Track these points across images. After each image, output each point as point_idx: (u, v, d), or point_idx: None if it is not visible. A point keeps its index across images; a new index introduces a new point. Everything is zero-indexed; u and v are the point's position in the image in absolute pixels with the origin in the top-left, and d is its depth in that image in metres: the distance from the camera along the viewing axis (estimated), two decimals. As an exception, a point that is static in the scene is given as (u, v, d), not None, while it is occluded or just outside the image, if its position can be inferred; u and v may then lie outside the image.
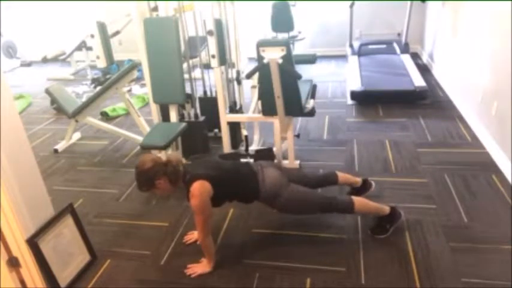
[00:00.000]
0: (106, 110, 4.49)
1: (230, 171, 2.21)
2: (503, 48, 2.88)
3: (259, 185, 2.19)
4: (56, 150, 3.75)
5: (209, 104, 3.52)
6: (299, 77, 2.61)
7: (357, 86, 4.33)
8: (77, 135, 4.02)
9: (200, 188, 1.99)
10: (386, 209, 2.33)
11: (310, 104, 3.03)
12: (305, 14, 6.12)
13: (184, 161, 3.20)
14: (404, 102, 4.17)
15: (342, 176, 2.56)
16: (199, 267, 2.16)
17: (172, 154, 2.08)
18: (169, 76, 2.94)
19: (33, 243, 1.94)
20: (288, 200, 2.20)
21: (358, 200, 2.26)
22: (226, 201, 2.27)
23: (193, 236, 2.41)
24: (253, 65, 2.79)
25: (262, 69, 2.66)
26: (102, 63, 4.57)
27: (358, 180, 2.63)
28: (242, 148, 3.44)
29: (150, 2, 3.04)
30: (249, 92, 3.64)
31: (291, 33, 5.71)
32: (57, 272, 2.05)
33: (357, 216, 2.49)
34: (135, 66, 3.48)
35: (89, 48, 5.93)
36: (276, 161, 3.00)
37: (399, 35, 5.86)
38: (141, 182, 2.05)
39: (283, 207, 2.24)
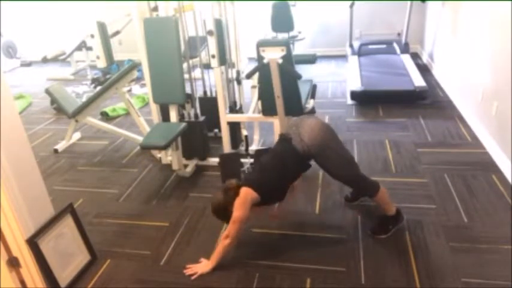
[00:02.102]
0: (106, 110, 4.49)
1: (272, 164, 2.17)
2: (503, 48, 2.88)
3: (298, 148, 2.13)
4: (56, 150, 3.75)
5: (209, 104, 3.52)
6: (299, 77, 2.61)
7: (357, 86, 4.33)
8: (77, 135, 4.02)
9: (244, 195, 2.08)
10: (394, 208, 2.34)
11: (310, 104, 3.03)
12: (305, 14, 6.12)
13: (184, 161, 3.22)
14: (404, 102, 4.18)
15: None
16: (199, 268, 2.16)
17: (231, 181, 2.17)
18: (169, 76, 2.94)
19: (33, 243, 1.94)
20: (337, 155, 2.15)
21: (383, 189, 2.27)
22: (288, 188, 2.23)
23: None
24: (253, 65, 2.79)
25: (262, 69, 2.66)
26: (102, 63, 4.56)
27: None
28: (242, 148, 3.44)
29: (150, 2, 3.04)
30: (249, 92, 3.64)
31: (291, 33, 5.71)
32: (57, 272, 2.05)
33: (357, 216, 2.49)
34: (135, 66, 3.47)
35: (89, 48, 5.93)
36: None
37: (399, 35, 5.86)
38: (222, 217, 2.18)
39: (329, 161, 2.16)
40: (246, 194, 2.08)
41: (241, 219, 2.07)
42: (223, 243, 2.13)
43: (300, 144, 2.13)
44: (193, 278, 2.12)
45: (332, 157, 2.16)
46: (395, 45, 5.52)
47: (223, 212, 2.14)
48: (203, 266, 2.16)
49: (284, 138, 2.22)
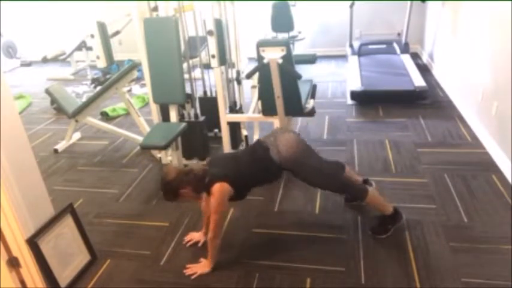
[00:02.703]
0: (106, 110, 4.49)
1: (246, 162, 2.19)
2: (503, 48, 2.88)
3: (274, 159, 2.16)
4: (56, 150, 3.75)
5: (209, 104, 3.52)
6: (299, 77, 2.61)
7: (357, 86, 4.33)
8: (77, 135, 4.02)
9: (219, 190, 2.02)
10: (390, 208, 2.34)
11: (310, 104, 3.03)
12: (305, 14, 6.12)
13: (184, 161, 3.22)
14: (404, 102, 4.18)
15: (347, 169, 2.52)
16: (199, 268, 2.16)
17: (195, 164, 2.13)
18: (169, 76, 2.94)
19: (33, 243, 1.94)
20: (314, 169, 2.18)
21: (372, 191, 2.28)
22: (251, 191, 2.25)
23: (193, 237, 2.41)
24: (253, 65, 2.79)
25: (262, 69, 2.66)
26: (102, 63, 4.56)
27: (359, 179, 2.63)
28: (242, 148, 3.44)
29: (150, 2, 3.04)
30: (249, 92, 3.65)
31: (291, 33, 5.71)
32: (57, 272, 2.05)
33: (357, 216, 2.49)
34: (135, 66, 3.48)
35: (89, 48, 5.93)
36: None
37: (399, 35, 5.86)
38: (167, 193, 2.09)
39: (306, 177, 2.21)
40: (224, 188, 2.03)
41: (222, 213, 2.07)
42: (210, 241, 2.11)
43: (276, 155, 2.16)
44: (193, 277, 2.12)
45: (309, 171, 2.20)
46: (395, 45, 5.52)
47: (173, 189, 2.06)
48: (203, 267, 2.16)
49: (262, 146, 2.22)
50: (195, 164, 2.15)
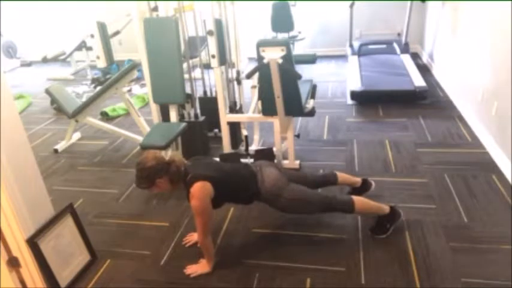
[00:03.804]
0: (106, 110, 4.49)
1: (230, 173, 2.21)
2: (503, 48, 2.88)
3: (259, 185, 2.19)
4: (56, 150, 3.75)
5: (209, 104, 3.52)
6: (299, 77, 2.61)
7: (357, 86, 4.33)
8: (77, 135, 4.02)
9: (201, 189, 1.99)
10: (386, 208, 2.33)
11: (310, 104, 3.03)
12: (305, 14, 6.12)
13: (185, 161, 3.21)
14: (404, 102, 4.18)
15: (341, 176, 2.56)
16: (199, 268, 2.16)
17: (176, 154, 2.09)
18: (169, 76, 2.94)
19: (33, 243, 1.94)
20: (289, 200, 2.20)
21: (358, 200, 2.26)
22: (226, 203, 2.26)
23: (192, 237, 2.41)
24: (253, 65, 2.79)
25: (262, 69, 2.66)
26: (102, 63, 4.56)
27: (358, 180, 2.63)
28: (242, 148, 3.44)
29: (150, 2, 3.04)
30: (249, 92, 3.64)
31: (291, 33, 5.71)
32: (57, 272, 2.06)
33: (357, 216, 2.49)
34: (135, 66, 3.48)
35: (89, 48, 5.93)
36: (276, 161, 3.00)
37: (399, 35, 5.86)
38: (142, 179, 2.03)
39: (285, 207, 2.24)
40: (206, 187, 2.00)
41: (202, 211, 1.99)
42: (201, 243, 2.11)
43: (260, 183, 2.20)
44: (192, 275, 2.13)
45: (287, 204, 2.21)
46: (395, 45, 5.52)
47: (149, 177, 2.00)
48: (203, 266, 2.16)
49: (249, 170, 2.26)
50: (175, 154, 2.10)
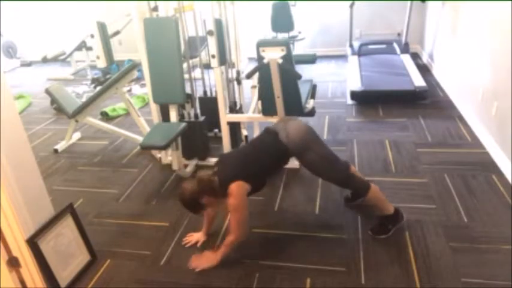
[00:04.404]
0: (106, 110, 4.49)
1: (256, 157, 2.21)
2: (503, 48, 2.88)
3: (284, 142, 2.20)
4: (56, 150, 3.75)
5: (209, 104, 3.52)
6: (299, 77, 2.61)
7: (357, 86, 4.33)
8: (77, 135, 4.02)
9: (236, 189, 2.05)
10: (391, 208, 2.33)
11: (310, 104, 3.03)
12: (305, 14, 6.12)
13: (184, 161, 3.22)
14: (404, 102, 4.18)
15: (353, 168, 2.50)
16: (204, 261, 2.18)
17: (201, 172, 2.17)
18: (169, 76, 2.94)
19: (33, 243, 1.94)
20: (317, 155, 2.20)
21: (374, 186, 2.27)
22: (266, 181, 2.27)
23: (192, 238, 2.41)
24: (253, 65, 2.79)
25: (262, 69, 2.66)
26: (102, 63, 4.56)
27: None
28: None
29: (150, 2, 3.04)
30: (249, 92, 3.65)
31: (291, 33, 5.71)
32: (57, 272, 2.06)
33: (357, 216, 2.49)
34: (135, 66, 3.47)
35: (89, 48, 5.93)
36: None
37: (399, 35, 5.86)
38: (191, 209, 2.14)
39: (311, 162, 2.22)
40: (240, 186, 2.06)
41: (243, 211, 2.08)
42: (232, 242, 2.13)
43: (285, 139, 2.20)
44: (197, 269, 2.16)
45: (314, 158, 2.21)
46: (395, 45, 5.52)
47: (194, 203, 2.10)
48: (209, 260, 2.18)
49: (270, 132, 2.27)
50: (202, 173, 2.16)
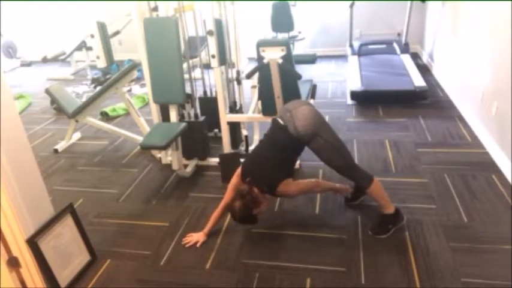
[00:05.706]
0: (106, 110, 4.49)
1: (272, 154, 2.29)
2: (503, 48, 2.88)
3: (295, 135, 2.24)
4: (56, 150, 3.75)
5: (209, 104, 3.52)
6: (299, 77, 2.61)
7: (357, 86, 4.33)
8: (77, 135, 4.02)
9: (287, 187, 2.25)
10: (392, 207, 2.34)
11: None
12: (305, 14, 6.12)
13: (184, 161, 3.22)
14: (404, 102, 4.18)
15: None
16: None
17: (242, 188, 2.26)
18: (169, 76, 2.94)
19: (33, 243, 1.94)
20: (325, 141, 2.24)
21: (377, 181, 2.31)
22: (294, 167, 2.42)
23: (192, 238, 2.41)
24: (253, 65, 2.79)
25: (262, 69, 2.66)
26: (102, 63, 4.56)
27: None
28: (242, 148, 3.44)
29: (150, 2, 3.04)
30: (249, 92, 3.64)
31: (291, 33, 5.71)
32: (57, 272, 2.06)
33: (357, 216, 2.49)
34: (135, 66, 3.47)
35: (89, 48, 5.93)
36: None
37: (399, 35, 5.86)
38: (249, 222, 2.31)
39: (318, 148, 2.26)
40: (286, 184, 2.25)
41: (299, 190, 2.33)
42: (312, 183, 2.42)
43: (294, 130, 2.24)
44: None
45: (322, 145, 2.25)
46: (395, 45, 5.52)
47: (247, 217, 2.23)
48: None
49: (280, 127, 2.29)
50: (240, 188, 2.26)
